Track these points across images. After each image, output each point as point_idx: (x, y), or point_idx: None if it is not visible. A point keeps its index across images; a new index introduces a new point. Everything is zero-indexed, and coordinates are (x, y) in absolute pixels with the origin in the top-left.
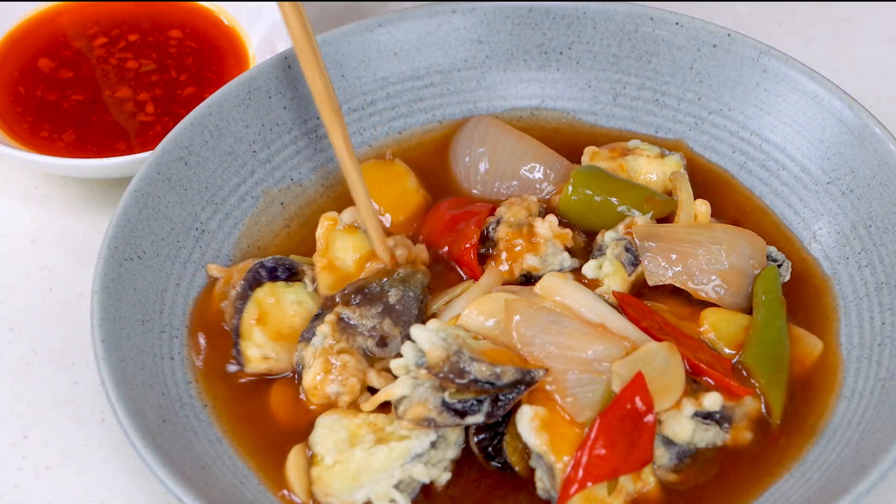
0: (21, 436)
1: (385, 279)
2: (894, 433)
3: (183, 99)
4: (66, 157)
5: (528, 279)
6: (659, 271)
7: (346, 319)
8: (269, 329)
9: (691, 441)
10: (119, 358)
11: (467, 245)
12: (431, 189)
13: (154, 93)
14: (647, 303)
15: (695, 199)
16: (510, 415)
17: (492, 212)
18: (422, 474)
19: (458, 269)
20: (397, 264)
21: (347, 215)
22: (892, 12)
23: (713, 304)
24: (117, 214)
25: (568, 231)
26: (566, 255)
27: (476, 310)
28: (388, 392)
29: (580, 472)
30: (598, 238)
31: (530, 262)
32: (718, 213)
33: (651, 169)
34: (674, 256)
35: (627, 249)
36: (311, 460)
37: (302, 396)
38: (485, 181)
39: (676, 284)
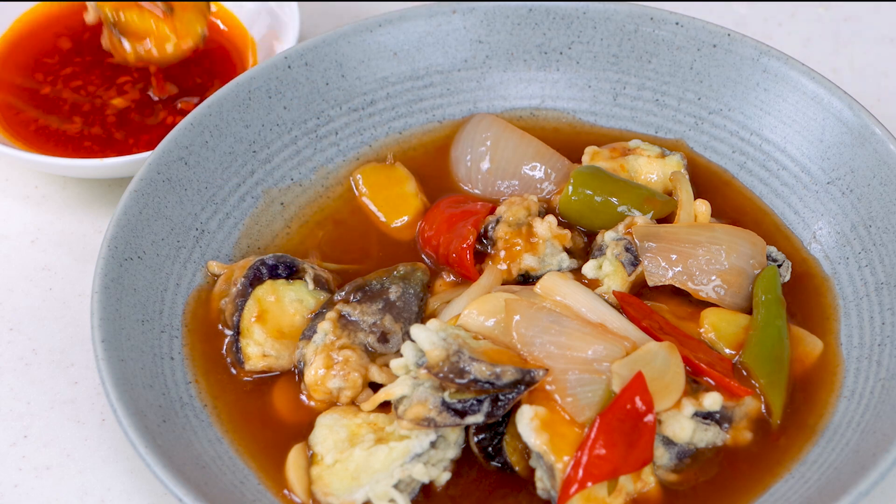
0: (21, 436)
1: (385, 277)
2: (894, 433)
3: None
4: (66, 157)
5: (526, 279)
6: (659, 272)
7: (347, 316)
8: (269, 327)
9: (691, 441)
10: (119, 358)
11: (464, 245)
12: (431, 189)
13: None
14: (647, 303)
15: (695, 199)
16: (510, 415)
17: (492, 210)
18: (421, 474)
19: (451, 272)
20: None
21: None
22: (892, 12)
23: (713, 304)
24: (117, 214)
25: (567, 231)
26: (565, 255)
27: (476, 309)
28: (388, 392)
29: (580, 472)
30: (598, 238)
31: (528, 262)
32: (718, 213)
33: (651, 169)
34: (674, 257)
35: (627, 249)
36: (311, 460)
37: (303, 394)
38: (486, 180)
39: (676, 285)
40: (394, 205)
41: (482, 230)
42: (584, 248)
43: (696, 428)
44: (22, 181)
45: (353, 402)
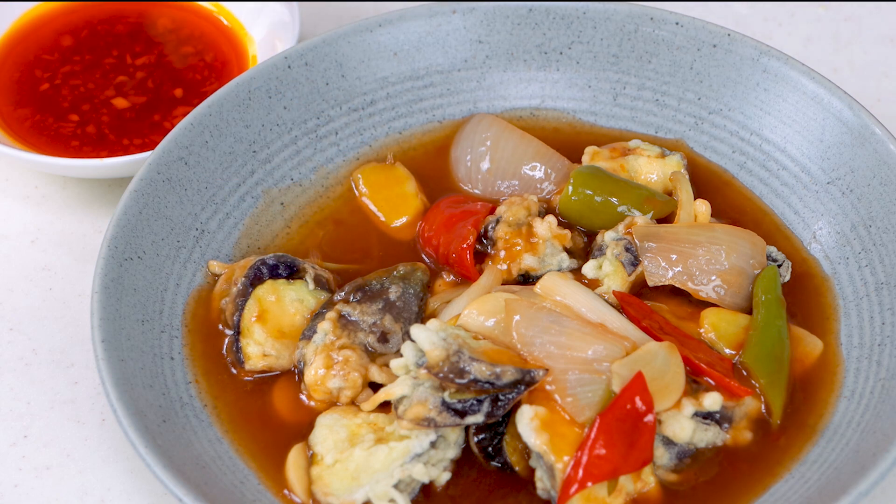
0: (21, 436)
1: (385, 277)
2: (894, 433)
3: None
4: (66, 157)
5: (526, 279)
6: (659, 272)
7: (347, 316)
8: (269, 327)
9: (691, 441)
10: (119, 358)
11: (464, 245)
12: (431, 189)
13: (154, 93)
14: (648, 303)
15: (695, 199)
16: (510, 415)
17: (492, 210)
18: (421, 474)
19: (451, 272)
20: None
21: None
22: (892, 12)
23: (713, 304)
24: (117, 214)
25: (567, 232)
26: (565, 255)
27: (476, 309)
28: (388, 392)
29: (580, 472)
30: (598, 238)
31: (528, 262)
32: (718, 213)
33: (651, 169)
34: (674, 257)
35: (627, 249)
36: (311, 460)
37: (303, 394)
38: (486, 180)
39: (676, 285)
40: (394, 205)
41: (482, 230)
42: (584, 248)
43: (696, 428)
44: (22, 181)
45: (353, 402)
